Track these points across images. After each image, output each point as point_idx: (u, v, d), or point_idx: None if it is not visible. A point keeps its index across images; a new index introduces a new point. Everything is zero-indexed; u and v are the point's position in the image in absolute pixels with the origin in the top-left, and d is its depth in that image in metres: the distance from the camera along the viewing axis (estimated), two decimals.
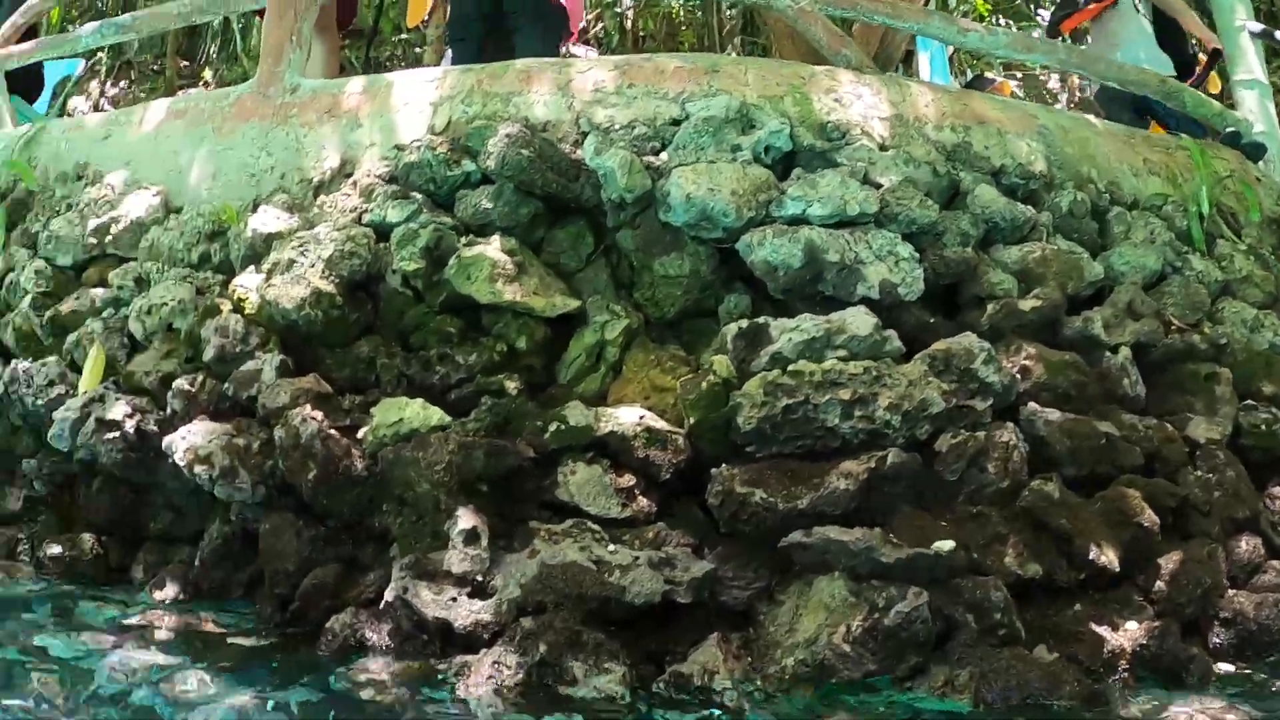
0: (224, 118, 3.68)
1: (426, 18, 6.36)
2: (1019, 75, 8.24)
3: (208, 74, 8.52)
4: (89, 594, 2.94)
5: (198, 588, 2.87)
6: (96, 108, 7.69)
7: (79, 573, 3.06)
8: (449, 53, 4.84)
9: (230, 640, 2.56)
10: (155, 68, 8.77)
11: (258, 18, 8.20)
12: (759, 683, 2.29)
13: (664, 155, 3.10)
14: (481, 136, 3.13)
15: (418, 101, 3.40)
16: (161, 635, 2.57)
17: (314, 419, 2.63)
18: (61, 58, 5.69)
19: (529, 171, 2.99)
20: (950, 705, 2.21)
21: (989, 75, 7.43)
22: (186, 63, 8.70)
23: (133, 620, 2.68)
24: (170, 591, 2.87)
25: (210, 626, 2.65)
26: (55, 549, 3.10)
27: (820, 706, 2.24)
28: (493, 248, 2.91)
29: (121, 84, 8.59)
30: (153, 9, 4.70)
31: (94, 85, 8.31)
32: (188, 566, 2.92)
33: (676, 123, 3.18)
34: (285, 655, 2.49)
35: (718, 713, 2.19)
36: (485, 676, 2.23)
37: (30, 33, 5.18)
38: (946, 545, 2.39)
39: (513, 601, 2.36)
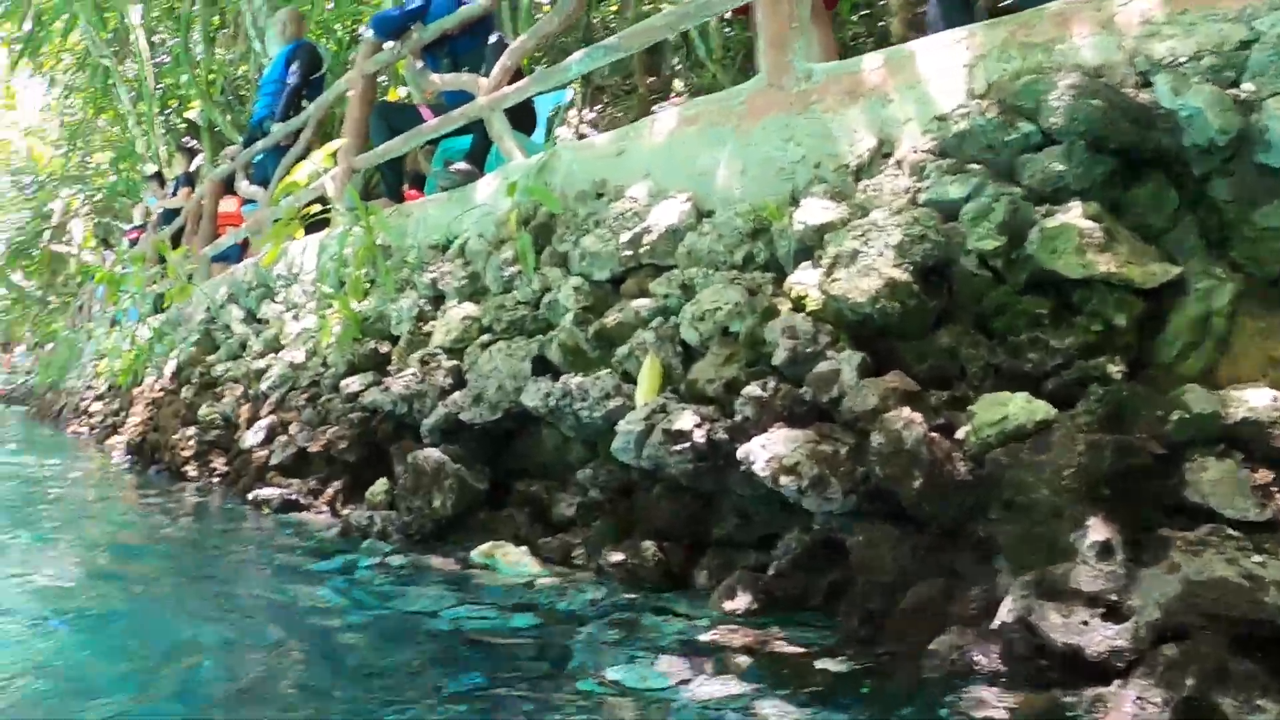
0: (739, 117, 3.68)
1: None
2: None
3: (677, 84, 8.85)
4: (652, 605, 2.91)
5: (770, 597, 2.76)
6: (579, 134, 8.22)
7: (640, 578, 3.07)
8: (931, 4, 4.59)
9: (813, 662, 2.39)
10: (625, 88, 9.24)
11: (717, 21, 8.49)
12: None
13: (1246, 85, 2.67)
14: (1033, 93, 2.87)
15: (947, 66, 3.20)
16: (736, 655, 2.46)
17: (916, 422, 2.45)
18: (552, 90, 6.03)
19: (1102, 124, 2.67)
20: None
21: None
22: (653, 78, 9.09)
23: (703, 637, 2.59)
24: (741, 602, 2.77)
25: (787, 645, 2.51)
26: (616, 556, 3.13)
27: None
28: (1075, 215, 2.62)
29: (596, 109, 9.13)
30: (638, 25, 4.84)
31: (572, 114, 8.88)
32: (758, 574, 2.84)
33: (1246, 45, 2.74)
34: (877, 679, 2.28)
35: None
36: (1128, 715, 1.94)
37: (517, 74, 5.58)
38: None
39: (1151, 625, 2.04)
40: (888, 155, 3.18)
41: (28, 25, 19.64)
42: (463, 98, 5.87)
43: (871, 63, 3.43)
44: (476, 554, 3.47)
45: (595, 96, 9.11)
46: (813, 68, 3.59)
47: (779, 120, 3.54)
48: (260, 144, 8.76)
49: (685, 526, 3.13)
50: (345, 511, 4.25)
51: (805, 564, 2.75)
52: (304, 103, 8.41)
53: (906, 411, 2.48)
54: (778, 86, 3.62)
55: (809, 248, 3.06)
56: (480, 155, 5.89)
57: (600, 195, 4.10)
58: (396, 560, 3.55)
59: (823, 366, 2.76)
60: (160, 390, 8.24)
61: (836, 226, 2.99)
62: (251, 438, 5.54)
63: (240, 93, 16.76)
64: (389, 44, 6.75)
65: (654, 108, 8.79)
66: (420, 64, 6.60)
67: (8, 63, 21.48)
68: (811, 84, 3.53)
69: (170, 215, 12.61)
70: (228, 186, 10.19)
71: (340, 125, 8.29)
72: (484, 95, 5.49)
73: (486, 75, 5.67)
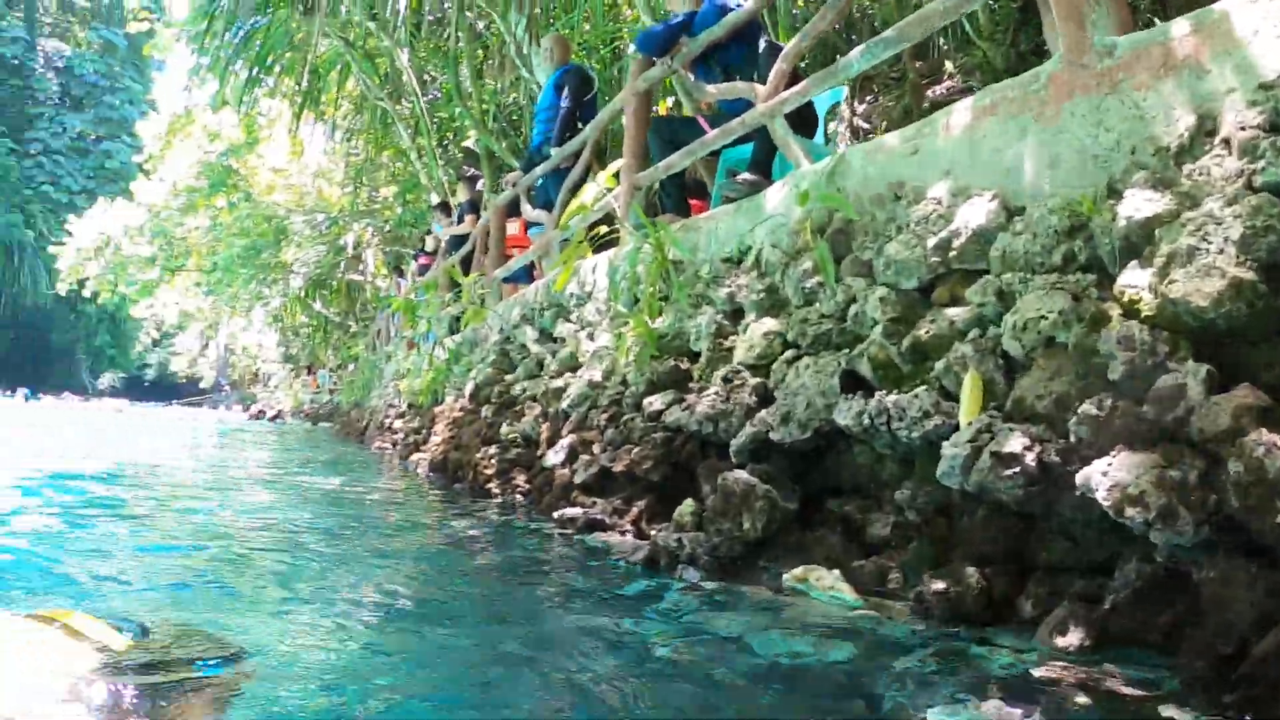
0: (1041, 102, 3.52)
1: None
2: None
3: (948, 66, 8.59)
4: (975, 637, 2.80)
5: (1104, 632, 2.60)
6: (853, 130, 8.11)
7: (963, 608, 2.93)
8: None
9: (1156, 707, 2.24)
10: (894, 75, 9.05)
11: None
12: None
13: None
14: None
15: (1267, 25, 2.92)
16: (1071, 696, 2.31)
17: (1277, 446, 2.23)
18: (829, 88, 5.97)
19: None
20: None
21: None
22: (921, 62, 8.85)
23: (1034, 674, 2.45)
24: (1073, 638, 2.62)
25: (1125, 687, 2.35)
26: (938, 585, 2.99)
27: None
28: None
29: (867, 100, 8.98)
30: (917, 14, 4.70)
31: (843, 109, 8.76)
32: (1090, 606, 2.68)
33: None
34: None
35: None
36: None
37: (793, 77, 5.54)
38: None
39: None
40: (1210, 134, 2.94)
41: (305, 80, 21.38)
42: (740, 106, 5.88)
43: (1180, 29, 3.19)
44: (789, 579, 3.44)
45: (865, 87, 8.92)
46: (1115, 41, 3.37)
47: (1086, 103, 3.36)
48: (540, 168, 9.12)
49: (1008, 550, 3.01)
50: (651, 532, 4.30)
51: (1144, 598, 2.58)
52: (579, 125, 8.68)
53: (1265, 434, 2.27)
54: (1079, 65, 3.43)
55: (1136, 245, 2.88)
56: (765, 163, 5.88)
57: (898, 198, 4.00)
58: (707, 585, 3.55)
59: (1165, 381, 2.57)
60: (461, 409, 8.66)
61: (1165, 219, 2.79)
62: (553, 457, 5.71)
63: (513, 118, 17.51)
64: (659, 59, 6.85)
65: (927, 92, 8.54)
66: (692, 77, 6.67)
67: (291, 114, 23.27)
68: (1115, 59, 3.33)
69: (457, 242, 13.33)
70: (511, 210, 10.66)
71: (618, 143, 8.48)
72: (763, 102, 5.49)
73: (761, 81, 5.67)
